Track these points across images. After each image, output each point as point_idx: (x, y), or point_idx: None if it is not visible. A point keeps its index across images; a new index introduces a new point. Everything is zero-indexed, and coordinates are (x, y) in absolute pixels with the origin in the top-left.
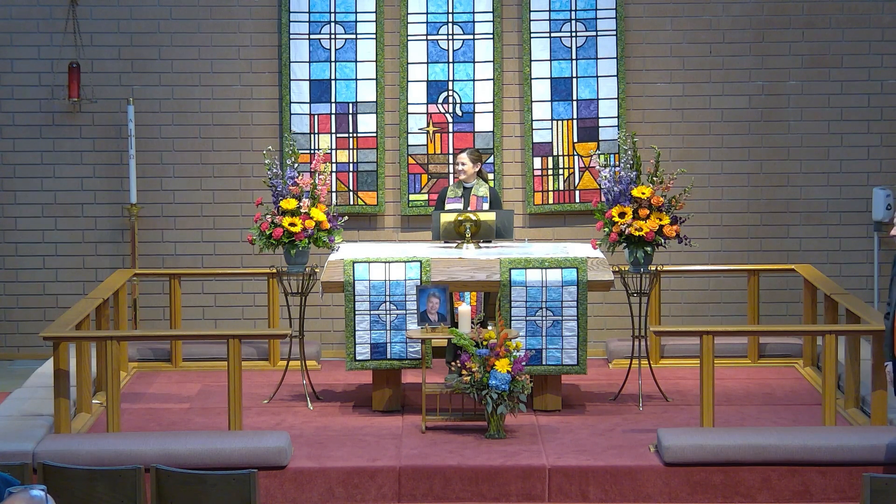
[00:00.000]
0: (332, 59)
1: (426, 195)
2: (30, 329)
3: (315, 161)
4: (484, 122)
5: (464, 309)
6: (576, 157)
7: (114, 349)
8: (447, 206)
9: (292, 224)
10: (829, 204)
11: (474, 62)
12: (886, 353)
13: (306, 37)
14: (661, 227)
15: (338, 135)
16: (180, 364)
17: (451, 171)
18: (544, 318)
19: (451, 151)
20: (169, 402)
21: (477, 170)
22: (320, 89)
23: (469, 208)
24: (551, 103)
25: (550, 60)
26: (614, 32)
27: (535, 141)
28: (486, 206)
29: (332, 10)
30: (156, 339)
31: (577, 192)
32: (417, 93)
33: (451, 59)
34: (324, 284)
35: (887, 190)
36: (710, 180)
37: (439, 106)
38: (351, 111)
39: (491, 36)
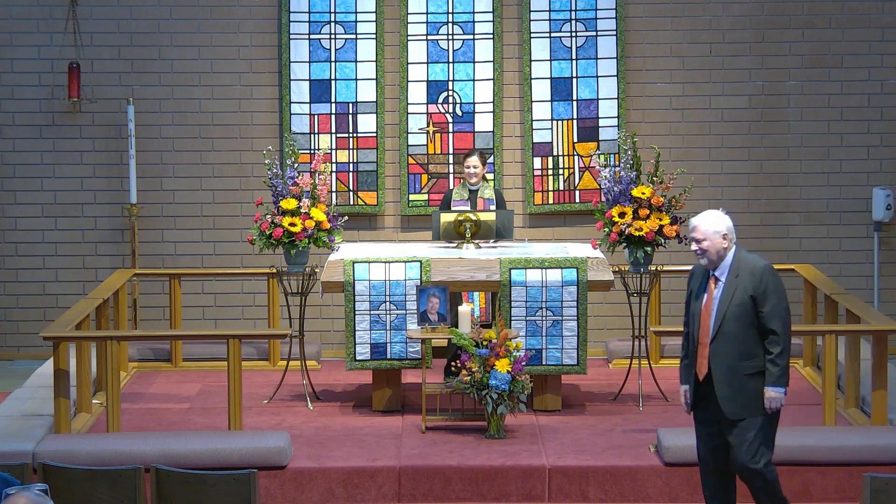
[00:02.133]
0: (332, 59)
1: (426, 195)
2: (30, 329)
3: (315, 161)
4: (484, 122)
5: (464, 309)
6: (576, 157)
7: (114, 349)
8: (454, 209)
9: (292, 224)
10: (829, 204)
11: (474, 62)
12: (682, 375)
13: (306, 37)
14: (661, 227)
15: (338, 135)
16: (180, 364)
17: (452, 171)
18: (544, 318)
19: (451, 151)
20: (169, 402)
21: (484, 171)
22: (320, 89)
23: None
24: (551, 103)
25: (550, 60)
26: (614, 32)
27: (535, 141)
28: (493, 208)
29: (332, 10)
30: (156, 339)
31: (577, 192)
32: (417, 93)
33: (451, 59)
34: (324, 284)
35: (887, 190)
36: (710, 180)
37: (439, 106)
38: (351, 111)
39: (491, 36)
